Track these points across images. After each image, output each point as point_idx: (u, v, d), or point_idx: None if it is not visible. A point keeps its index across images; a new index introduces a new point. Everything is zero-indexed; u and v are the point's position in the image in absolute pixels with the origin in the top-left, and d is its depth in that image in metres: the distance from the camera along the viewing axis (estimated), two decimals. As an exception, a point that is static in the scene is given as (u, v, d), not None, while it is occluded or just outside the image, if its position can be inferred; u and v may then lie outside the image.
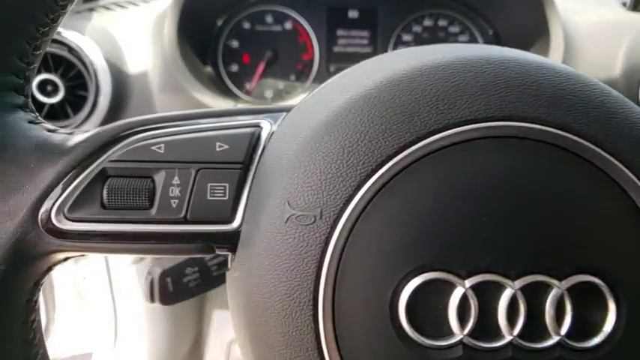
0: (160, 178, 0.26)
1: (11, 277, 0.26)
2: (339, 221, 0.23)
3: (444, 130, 0.23)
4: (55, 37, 0.64)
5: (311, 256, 0.23)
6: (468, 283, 0.22)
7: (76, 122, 0.65)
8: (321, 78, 0.86)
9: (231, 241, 0.26)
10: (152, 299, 0.53)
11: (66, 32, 0.64)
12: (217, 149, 0.27)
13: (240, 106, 0.31)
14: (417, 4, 0.86)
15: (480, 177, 0.23)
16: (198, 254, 0.28)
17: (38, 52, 0.28)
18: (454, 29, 0.87)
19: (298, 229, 0.23)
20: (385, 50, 0.86)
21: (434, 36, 0.87)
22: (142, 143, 0.27)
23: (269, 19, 0.86)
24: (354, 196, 0.23)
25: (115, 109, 0.66)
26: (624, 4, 0.82)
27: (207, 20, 0.80)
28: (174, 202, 0.26)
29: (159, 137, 0.27)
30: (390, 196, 0.23)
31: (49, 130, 0.28)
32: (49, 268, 0.28)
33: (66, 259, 0.28)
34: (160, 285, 0.54)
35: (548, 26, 0.71)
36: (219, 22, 0.82)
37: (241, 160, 0.27)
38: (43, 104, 0.65)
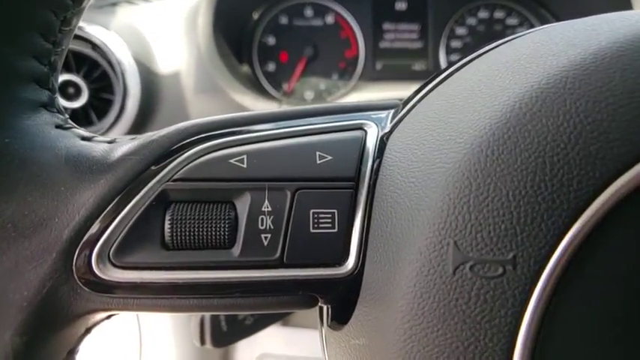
0: (243, 203, 0.19)
1: (36, 349, 0.18)
2: (542, 272, 0.14)
3: None
4: (77, 32, 0.56)
5: (500, 327, 0.15)
6: None
7: (101, 129, 0.57)
8: (366, 76, 0.78)
9: (340, 290, 0.19)
10: (202, 341, 0.45)
11: (89, 27, 0.56)
12: (318, 161, 0.19)
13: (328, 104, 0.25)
14: None
15: None
16: (298, 308, 0.20)
17: (68, 29, 0.20)
18: (512, 21, 0.78)
19: (477, 285, 0.15)
20: (437, 46, 0.78)
21: (490, 29, 0.78)
22: (216, 154, 0.19)
23: (308, 12, 0.77)
24: (567, 232, 0.14)
25: (145, 114, 0.58)
26: None
27: (243, 13, 0.72)
28: (266, 238, 0.18)
29: (239, 145, 0.19)
30: (617, 232, 0.14)
31: (84, 139, 0.20)
32: (87, 331, 0.20)
33: (109, 317, 0.20)
34: (211, 324, 0.45)
35: (631, 4, 0.62)
36: (256, 16, 0.75)
37: (352, 176, 0.19)
38: (63, 109, 0.58)
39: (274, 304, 0.19)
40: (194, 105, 0.60)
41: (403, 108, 0.22)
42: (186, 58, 0.60)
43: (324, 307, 0.22)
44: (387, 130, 0.21)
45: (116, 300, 0.18)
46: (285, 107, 0.23)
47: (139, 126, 0.58)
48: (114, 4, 0.70)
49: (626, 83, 0.15)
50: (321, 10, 0.77)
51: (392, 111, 0.23)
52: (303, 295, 0.19)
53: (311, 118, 0.22)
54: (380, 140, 0.21)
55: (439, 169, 0.16)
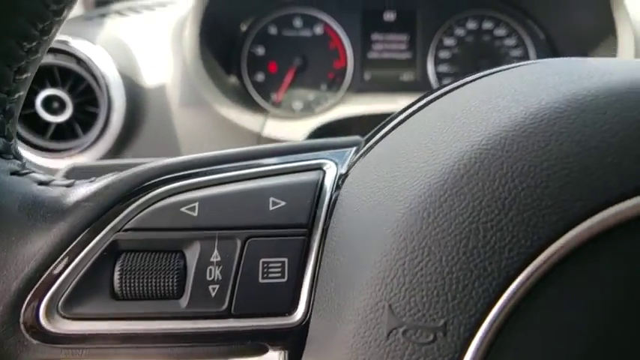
0: (193, 252, 0.19)
1: None
2: (472, 340, 0.14)
3: None
4: (62, 47, 0.56)
5: None
6: None
7: (86, 143, 0.57)
8: (355, 87, 0.78)
9: (290, 338, 0.19)
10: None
11: (74, 41, 0.56)
12: (271, 207, 0.19)
13: (286, 143, 0.25)
14: (459, 4, 0.77)
15: None
16: (247, 357, 0.20)
17: (24, 77, 0.20)
18: (500, 32, 0.78)
19: (408, 350, 0.15)
20: (425, 57, 0.78)
21: (478, 40, 0.78)
22: (168, 202, 0.19)
23: (297, 23, 0.77)
24: (497, 300, 0.14)
25: (130, 128, 0.58)
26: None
27: (231, 25, 0.71)
28: (214, 289, 0.18)
29: (192, 190, 0.19)
30: (547, 301, 0.14)
31: (41, 183, 0.20)
32: None
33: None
34: None
35: (615, 27, 0.61)
36: (244, 27, 0.75)
37: (304, 223, 0.19)
38: (48, 123, 0.58)
39: (225, 352, 0.19)
40: (179, 119, 0.60)
41: (364, 146, 0.22)
42: (172, 71, 0.60)
43: (281, 353, 0.22)
44: (343, 171, 0.21)
45: (65, 350, 0.18)
46: (249, 147, 0.23)
47: (124, 139, 0.58)
48: (103, 16, 0.70)
49: (561, 147, 0.15)
50: (310, 21, 0.77)
51: (353, 149, 0.23)
52: (252, 344, 0.19)
53: (269, 159, 0.22)
54: (337, 182, 0.20)
55: (380, 227, 0.16)
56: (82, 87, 0.57)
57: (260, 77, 0.77)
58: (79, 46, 0.56)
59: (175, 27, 0.62)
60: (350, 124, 0.67)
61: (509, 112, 0.17)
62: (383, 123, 0.23)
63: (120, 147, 0.58)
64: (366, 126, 0.72)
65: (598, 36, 0.65)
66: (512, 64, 0.22)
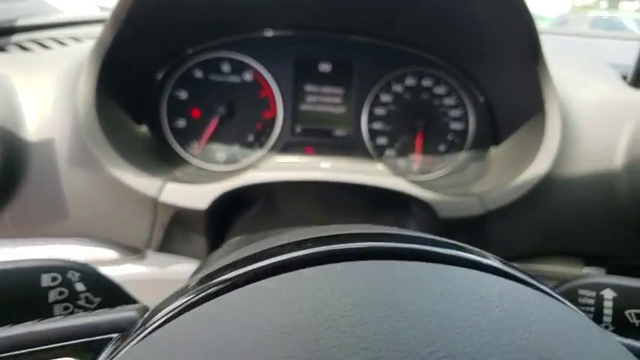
0: None
1: None
2: None
3: None
4: None
5: None
6: None
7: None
8: (284, 140, 0.73)
9: None
10: None
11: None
12: None
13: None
14: (398, 59, 0.74)
15: None
16: None
17: None
18: (440, 91, 0.76)
19: None
20: (359, 113, 0.74)
21: (417, 97, 0.75)
22: None
23: (226, 68, 0.72)
24: None
25: (6, 188, 0.50)
26: (624, 78, 0.72)
27: (143, 70, 0.65)
28: None
29: None
30: None
31: None
32: None
33: None
34: None
35: (544, 103, 0.60)
36: (160, 75, 0.68)
37: None
38: None
39: None
40: (67, 180, 0.53)
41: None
42: (63, 125, 0.53)
43: None
44: None
45: None
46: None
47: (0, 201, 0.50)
48: (1, 49, 0.62)
49: None
50: (239, 67, 0.72)
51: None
52: None
53: None
54: None
55: None
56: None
57: (181, 123, 0.71)
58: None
59: (72, 72, 0.55)
60: (257, 192, 0.61)
61: None
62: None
63: (-6, 208, 0.50)
64: (272, 195, 0.65)
65: (531, 109, 0.63)
66: None
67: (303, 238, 0.21)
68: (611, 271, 0.64)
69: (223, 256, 0.33)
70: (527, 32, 0.56)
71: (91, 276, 0.35)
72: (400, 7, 0.63)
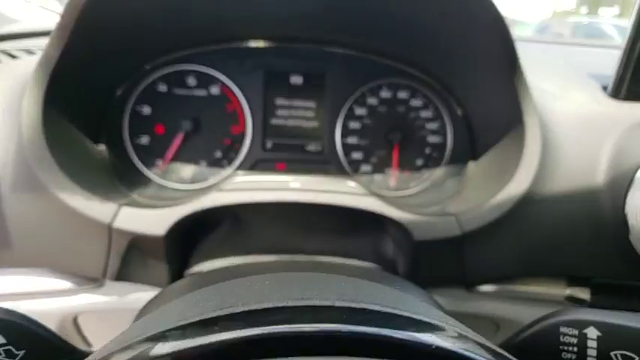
0: None
1: None
2: None
3: None
4: None
5: None
6: None
7: None
8: (254, 156, 0.69)
9: None
10: None
11: None
12: None
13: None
14: (373, 71, 0.71)
15: None
16: None
17: None
18: (416, 103, 0.73)
19: None
20: (333, 127, 0.70)
21: (392, 110, 0.72)
22: None
23: (191, 81, 0.68)
24: None
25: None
26: (605, 89, 0.70)
27: (100, 85, 0.60)
28: None
29: None
30: None
31: None
32: None
33: None
34: None
35: (522, 116, 0.57)
36: (120, 90, 0.64)
37: None
38: None
39: None
40: (13, 206, 0.48)
41: None
42: (6, 145, 0.48)
43: None
44: None
45: None
46: None
47: None
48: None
49: None
50: (205, 80, 0.68)
51: None
52: None
53: None
54: None
55: None
56: None
57: (144, 140, 0.66)
58: None
59: (19, 87, 0.51)
60: (223, 213, 0.57)
61: None
62: None
63: None
64: (239, 215, 0.61)
65: (510, 123, 0.60)
66: None
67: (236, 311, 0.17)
68: (595, 292, 0.61)
69: (151, 312, 0.30)
70: (503, 45, 0.53)
71: (12, 326, 0.31)
72: (376, 20, 0.60)
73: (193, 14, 0.58)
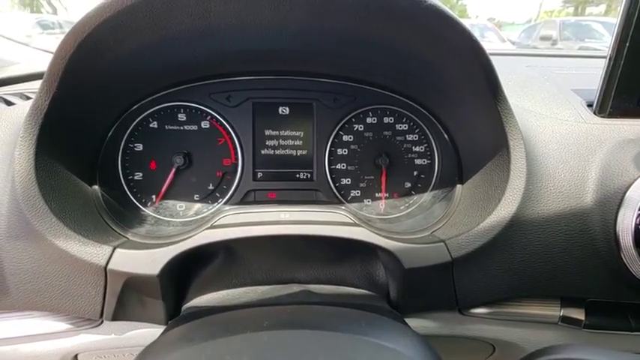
0: None
1: None
2: None
3: None
4: None
5: None
6: None
7: None
8: (245, 186, 0.67)
9: None
10: None
11: None
12: None
13: None
14: (358, 98, 0.69)
15: None
16: None
17: None
18: (402, 127, 0.71)
19: None
20: (322, 154, 0.69)
21: (379, 134, 0.70)
22: None
23: (181, 116, 0.66)
24: None
25: None
26: (590, 106, 0.67)
27: (92, 128, 0.59)
28: None
29: None
30: None
31: None
32: None
33: None
34: None
35: (507, 140, 0.55)
36: (111, 130, 0.63)
37: None
38: None
39: None
40: (9, 254, 0.47)
41: None
42: (1, 197, 0.47)
43: None
44: None
45: None
46: None
47: None
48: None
49: None
50: (195, 115, 0.66)
51: None
52: None
53: None
54: None
55: None
56: None
57: (138, 176, 0.65)
58: None
59: (13, 135, 0.50)
60: (216, 246, 0.56)
61: None
62: None
63: None
64: (232, 248, 0.58)
65: (495, 146, 0.58)
66: None
67: None
68: (590, 312, 0.59)
69: None
70: (483, 71, 0.51)
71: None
72: (359, 52, 0.58)
73: (181, 55, 0.57)
